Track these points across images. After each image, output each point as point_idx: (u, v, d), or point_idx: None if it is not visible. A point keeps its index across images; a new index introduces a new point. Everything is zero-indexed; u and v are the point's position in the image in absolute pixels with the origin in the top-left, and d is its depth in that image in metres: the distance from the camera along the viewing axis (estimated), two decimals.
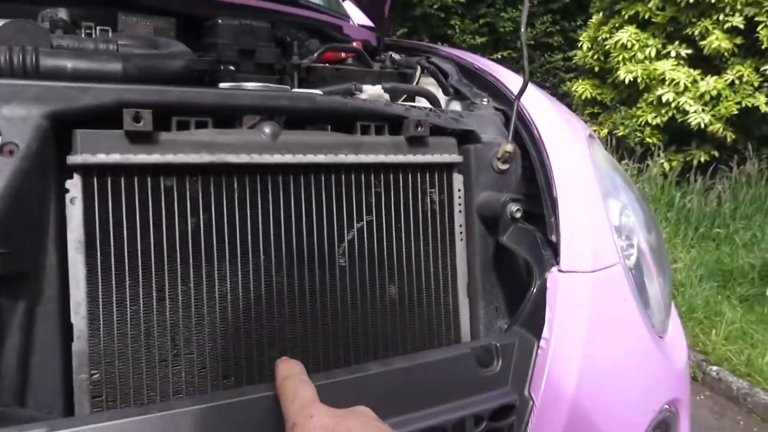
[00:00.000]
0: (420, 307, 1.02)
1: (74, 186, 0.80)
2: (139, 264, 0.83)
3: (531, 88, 1.26)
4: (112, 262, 0.82)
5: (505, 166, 1.08)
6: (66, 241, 0.80)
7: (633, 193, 1.30)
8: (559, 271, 0.91)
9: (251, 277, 0.90)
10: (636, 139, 6.29)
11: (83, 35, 1.18)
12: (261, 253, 0.91)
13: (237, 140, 0.88)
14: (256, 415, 0.71)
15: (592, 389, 0.87)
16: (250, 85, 0.97)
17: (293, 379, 0.68)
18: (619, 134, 6.45)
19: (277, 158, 0.90)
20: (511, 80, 1.33)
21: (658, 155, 6.06)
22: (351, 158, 0.95)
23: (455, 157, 1.05)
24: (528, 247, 0.96)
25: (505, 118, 1.18)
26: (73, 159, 0.79)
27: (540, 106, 1.21)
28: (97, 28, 1.21)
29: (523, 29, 1.06)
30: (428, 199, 1.03)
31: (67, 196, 0.80)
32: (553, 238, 0.96)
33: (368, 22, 2.24)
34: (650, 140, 6.23)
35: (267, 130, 0.91)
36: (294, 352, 0.92)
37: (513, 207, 0.99)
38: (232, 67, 1.26)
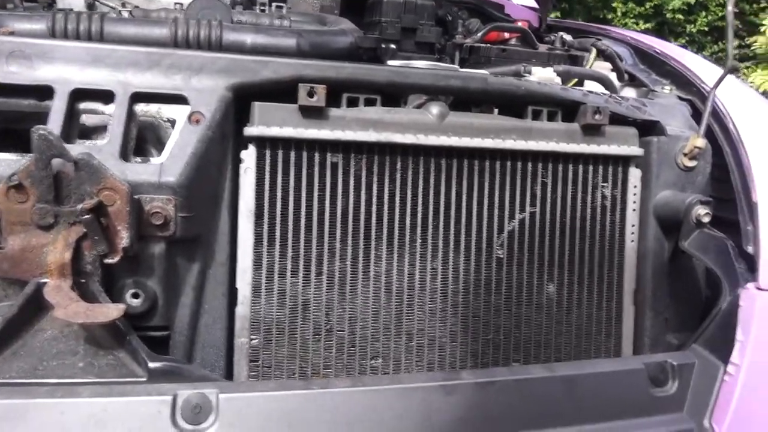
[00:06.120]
0: (579, 310, 0.94)
1: (249, 156, 0.83)
2: (302, 238, 0.85)
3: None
4: (277, 234, 0.84)
5: (692, 163, 0.95)
6: (237, 209, 0.83)
7: None
8: (758, 288, 0.79)
9: (406, 260, 0.88)
10: None
11: (258, 11, 1.23)
12: (418, 236, 0.89)
13: (404, 119, 0.86)
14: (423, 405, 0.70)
15: None
16: (420, 63, 0.94)
17: None
18: None
19: (443, 140, 0.87)
20: (700, 67, 1.18)
21: None
22: (519, 144, 0.89)
23: (635, 150, 0.95)
24: (716, 256, 0.84)
25: (692, 108, 1.05)
26: (250, 130, 0.82)
27: (736, 97, 1.06)
28: (272, 4, 1.26)
29: (730, 6, 0.92)
30: (599, 194, 0.95)
31: (242, 166, 0.83)
32: (750, 249, 0.83)
33: (529, 2, 2.12)
34: None
35: (434, 110, 0.88)
36: (442, 341, 0.89)
37: (701, 210, 0.87)
38: (393, 46, 1.25)
